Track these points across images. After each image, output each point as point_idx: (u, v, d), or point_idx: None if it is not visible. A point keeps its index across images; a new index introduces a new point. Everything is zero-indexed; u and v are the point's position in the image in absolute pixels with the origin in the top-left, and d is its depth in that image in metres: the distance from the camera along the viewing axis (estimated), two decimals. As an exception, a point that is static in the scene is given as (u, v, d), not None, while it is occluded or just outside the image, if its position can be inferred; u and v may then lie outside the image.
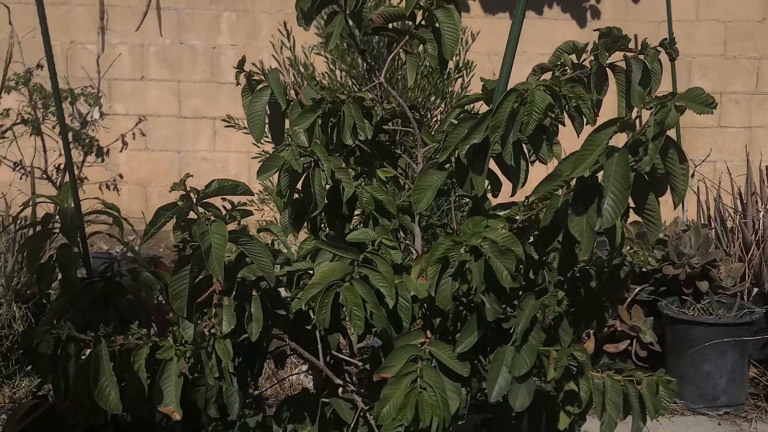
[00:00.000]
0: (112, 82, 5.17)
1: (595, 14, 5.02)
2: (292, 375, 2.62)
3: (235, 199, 1.35)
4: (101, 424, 1.15)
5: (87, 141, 3.13)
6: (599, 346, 2.89)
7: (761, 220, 3.07)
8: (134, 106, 5.18)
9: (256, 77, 1.55)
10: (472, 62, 3.65)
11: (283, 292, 1.57)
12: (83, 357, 1.16)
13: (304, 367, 2.79)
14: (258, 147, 3.40)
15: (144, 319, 1.62)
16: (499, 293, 1.28)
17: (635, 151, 1.04)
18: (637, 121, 1.04)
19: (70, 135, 3.14)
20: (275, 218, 3.02)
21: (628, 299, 2.84)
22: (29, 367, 2.69)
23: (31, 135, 3.15)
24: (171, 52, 5.18)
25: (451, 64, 3.68)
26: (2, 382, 2.59)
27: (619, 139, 1.14)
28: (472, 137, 1.21)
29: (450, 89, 3.54)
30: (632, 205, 1.12)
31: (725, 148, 5.09)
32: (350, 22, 1.53)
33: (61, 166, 3.60)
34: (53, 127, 3.20)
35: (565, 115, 1.50)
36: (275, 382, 2.60)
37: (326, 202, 1.47)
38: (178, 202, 1.22)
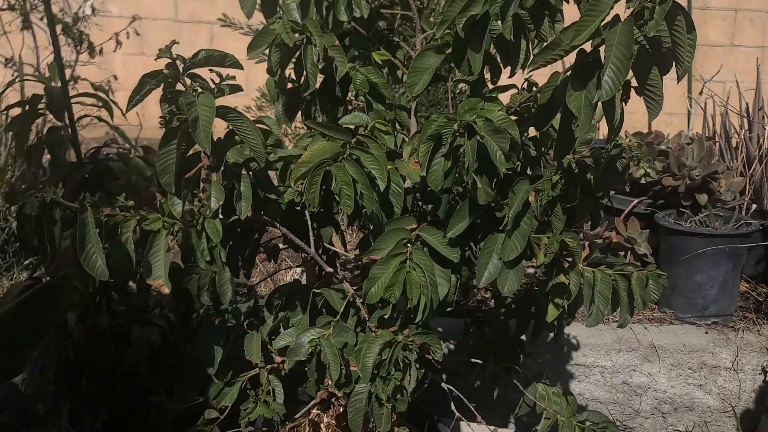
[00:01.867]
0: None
1: None
2: (281, 270, 2.65)
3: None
4: (91, 295, 1.15)
5: (77, 35, 3.02)
6: (593, 256, 2.90)
7: (766, 136, 3.01)
8: (129, 8, 5.00)
9: (247, -50, 1.46)
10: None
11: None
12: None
13: (299, 270, 2.82)
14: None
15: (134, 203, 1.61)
16: (493, 178, 1.25)
17: (641, 20, 0.98)
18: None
19: (59, 28, 3.03)
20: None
21: (626, 211, 2.82)
22: (27, 261, 2.71)
23: (21, 30, 3.04)
24: (167, -50, 4.97)
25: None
26: (0, 275, 2.62)
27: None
28: (470, 9, 1.15)
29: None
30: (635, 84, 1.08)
31: (736, 68, 4.94)
32: None
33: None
34: (41, 18, 3.08)
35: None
36: (269, 280, 2.62)
37: (318, 84, 1.42)
38: (164, 70, 1.17)
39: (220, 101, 1.27)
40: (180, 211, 1.27)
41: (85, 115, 1.76)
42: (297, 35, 1.35)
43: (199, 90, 1.20)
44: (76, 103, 1.66)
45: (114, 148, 1.87)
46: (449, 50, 1.38)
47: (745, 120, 3.17)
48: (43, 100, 1.63)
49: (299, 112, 1.59)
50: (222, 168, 1.25)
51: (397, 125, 1.70)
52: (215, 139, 1.27)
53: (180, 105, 1.18)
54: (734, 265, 2.55)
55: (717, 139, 3.10)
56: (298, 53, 1.38)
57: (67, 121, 1.61)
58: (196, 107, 1.17)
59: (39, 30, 3.36)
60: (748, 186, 2.91)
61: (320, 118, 1.62)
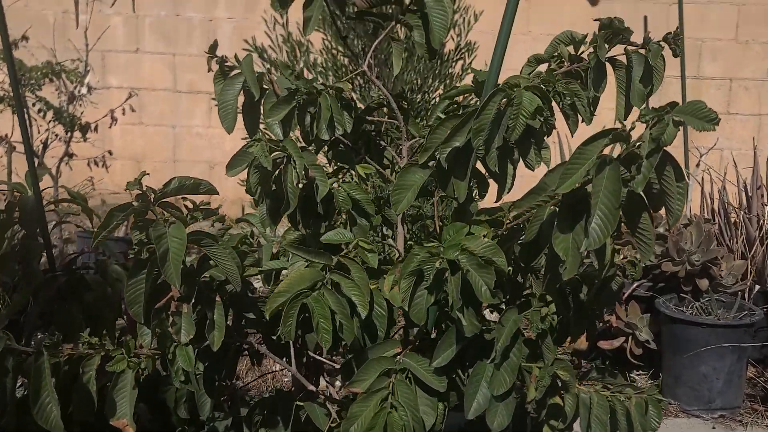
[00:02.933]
0: (106, 54, 5.05)
1: (607, -8, 4.85)
2: (270, 372, 2.55)
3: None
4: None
5: (69, 120, 3.01)
6: (593, 342, 2.82)
7: (766, 215, 2.96)
8: (128, 79, 5.07)
9: (229, 63, 1.44)
10: (474, 42, 3.50)
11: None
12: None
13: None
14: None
15: (109, 317, 1.54)
16: (479, 305, 1.19)
17: (628, 164, 0.93)
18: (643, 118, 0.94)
19: (50, 114, 3.02)
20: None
21: (625, 295, 2.75)
22: None
23: (14, 113, 3.04)
24: (167, 23, 5.05)
25: (451, 45, 3.55)
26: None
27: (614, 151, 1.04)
28: (453, 140, 1.11)
29: (450, 71, 3.41)
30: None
31: (733, 136, 4.96)
32: (331, 6, 1.42)
33: (48, 142, 3.49)
34: (34, 104, 3.08)
35: (560, 111, 1.41)
36: (258, 374, 2.53)
37: (299, 201, 1.37)
38: (134, 202, 1.13)
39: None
40: (149, 342, 1.21)
41: (64, 221, 1.71)
42: (277, 153, 1.31)
43: (171, 219, 1.14)
44: (51, 211, 1.61)
45: (93, 251, 1.81)
46: (433, 163, 1.34)
47: (744, 195, 3.13)
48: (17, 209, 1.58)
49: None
50: (193, 299, 1.18)
51: (384, 228, 1.65)
52: (188, 265, 1.21)
53: (150, 236, 1.12)
54: (739, 356, 2.46)
55: (716, 218, 3.05)
56: (278, 171, 1.33)
57: (40, 230, 1.55)
58: (167, 239, 1.11)
59: (33, 109, 3.37)
60: (749, 268, 2.84)
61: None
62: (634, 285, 2.75)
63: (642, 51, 1.42)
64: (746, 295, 2.76)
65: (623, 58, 1.45)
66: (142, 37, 5.07)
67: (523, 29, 4.79)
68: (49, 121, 3.07)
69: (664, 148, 0.87)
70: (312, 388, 1.51)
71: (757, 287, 2.82)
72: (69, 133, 3.37)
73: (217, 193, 1.23)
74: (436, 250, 1.11)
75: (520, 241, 1.25)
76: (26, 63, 3.01)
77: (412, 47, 1.87)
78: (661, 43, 1.40)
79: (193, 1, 5.01)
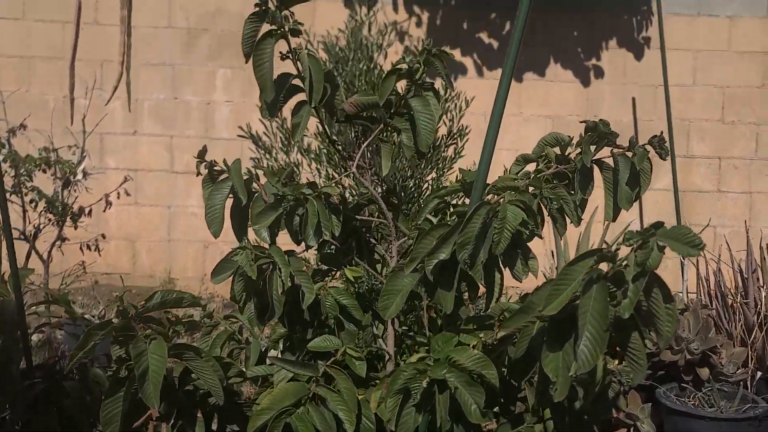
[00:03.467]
0: (105, 136, 5.12)
1: (589, 78, 4.99)
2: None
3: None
4: None
5: (60, 209, 3.02)
6: (594, 433, 2.72)
7: (763, 300, 2.93)
8: (126, 160, 5.12)
9: (218, 167, 1.45)
10: (466, 127, 3.57)
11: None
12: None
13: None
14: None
15: (86, 426, 1.49)
16: (470, 425, 1.15)
17: (616, 283, 0.92)
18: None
19: (42, 203, 3.03)
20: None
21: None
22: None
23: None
24: (165, 107, 5.14)
25: (443, 130, 3.62)
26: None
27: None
28: (439, 252, 1.10)
29: (443, 155, 3.45)
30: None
31: (725, 213, 4.98)
32: (321, 111, 1.44)
33: (41, 227, 3.49)
34: (26, 194, 3.09)
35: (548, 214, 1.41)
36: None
37: (286, 305, 1.35)
38: (113, 320, 1.10)
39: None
40: (125, 462, 1.15)
41: (45, 324, 1.68)
42: (263, 260, 1.29)
43: (152, 335, 1.11)
44: (32, 314, 1.58)
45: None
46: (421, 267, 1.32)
47: (739, 277, 3.11)
48: None
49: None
50: (172, 419, 1.14)
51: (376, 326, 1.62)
52: (170, 379, 1.17)
53: (129, 353, 1.09)
54: (745, 450, 2.38)
55: (713, 303, 3.02)
56: (264, 275, 1.32)
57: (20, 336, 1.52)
58: (146, 357, 1.08)
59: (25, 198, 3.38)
60: (750, 354, 2.78)
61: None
62: (634, 373, 2.69)
63: (629, 153, 1.44)
64: (748, 383, 2.69)
65: (610, 160, 1.46)
66: (140, 120, 5.15)
67: (515, 110, 4.89)
68: (41, 212, 3.07)
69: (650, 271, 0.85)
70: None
71: (759, 374, 2.75)
72: (60, 223, 3.37)
73: (201, 306, 1.20)
74: (423, 367, 1.08)
75: (510, 355, 1.21)
76: (25, 148, 3.04)
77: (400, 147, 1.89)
78: (647, 146, 1.42)
79: (191, 85, 5.12)
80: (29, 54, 4.95)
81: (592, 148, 1.44)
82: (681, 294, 3.33)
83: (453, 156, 3.48)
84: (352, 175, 1.71)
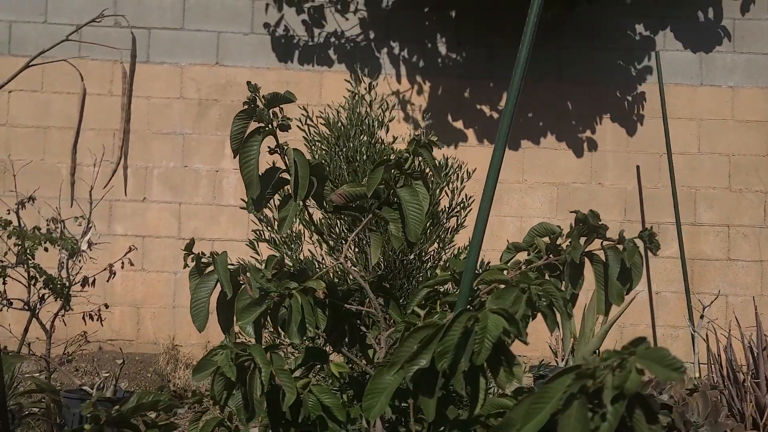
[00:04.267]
0: (114, 203, 5.20)
1: (592, 146, 5.02)
2: None
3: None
4: None
5: (59, 288, 3.03)
6: None
7: (776, 380, 2.84)
8: (134, 227, 5.18)
9: (205, 260, 1.45)
10: (469, 197, 3.58)
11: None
12: None
13: None
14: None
15: None
16: None
17: (597, 399, 0.89)
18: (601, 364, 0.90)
19: (41, 282, 3.04)
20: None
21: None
22: None
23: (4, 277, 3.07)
24: (174, 174, 5.23)
25: (445, 201, 3.63)
26: None
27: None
28: (419, 359, 1.07)
29: (445, 225, 3.45)
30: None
31: (736, 281, 4.90)
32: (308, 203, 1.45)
33: (45, 296, 3.49)
34: (26, 269, 3.11)
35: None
36: None
37: (269, 404, 1.32)
38: (85, 426, 1.08)
39: None
40: None
41: (29, 413, 1.65)
42: (244, 357, 1.27)
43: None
44: (17, 404, 1.55)
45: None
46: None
47: (750, 355, 3.02)
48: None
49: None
50: None
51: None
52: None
53: (101, 461, 1.06)
54: None
55: (724, 382, 2.93)
56: (246, 374, 1.29)
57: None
58: (118, 466, 1.05)
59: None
60: (764, 437, 2.68)
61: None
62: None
63: (619, 246, 1.42)
64: (764, 469, 2.58)
65: (601, 253, 1.45)
66: (150, 187, 5.23)
67: (518, 177, 4.92)
68: (40, 289, 3.08)
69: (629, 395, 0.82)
70: None
71: (775, 458, 2.64)
72: (59, 299, 3.37)
73: (178, 406, 1.18)
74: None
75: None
76: (35, 218, 3.08)
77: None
78: (636, 241, 1.40)
79: (200, 154, 5.22)
80: (45, 124, 5.09)
81: (582, 240, 1.42)
82: (693, 364, 3.24)
83: (455, 226, 3.48)
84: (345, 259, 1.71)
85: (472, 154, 4.61)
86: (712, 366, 3.18)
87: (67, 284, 2.97)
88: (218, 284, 1.40)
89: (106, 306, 3.90)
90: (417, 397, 1.16)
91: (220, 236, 5.18)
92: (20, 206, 3.38)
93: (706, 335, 3.31)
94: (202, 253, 1.46)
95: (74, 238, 3.10)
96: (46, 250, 2.95)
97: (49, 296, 3.58)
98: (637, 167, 4.91)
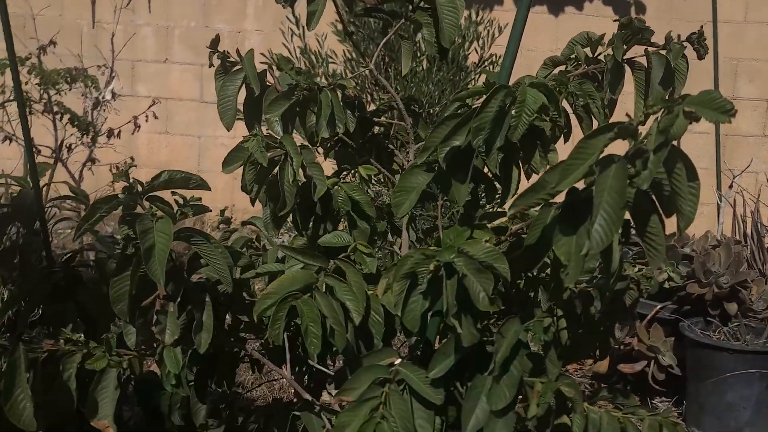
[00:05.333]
0: (136, 63, 5.12)
1: (639, 9, 4.74)
2: (276, 380, 2.49)
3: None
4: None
5: (84, 125, 3.02)
6: (614, 365, 2.70)
7: (801, 239, 2.82)
8: (156, 89, 5.12)
9: (231, 59, 1.41)
10: (498, 56, 3.45)
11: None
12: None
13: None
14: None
15: (104, 316, 1.51)
16: (480, 314, 1.12)
17: (636, 161, 0.86)
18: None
19: (65, 118, 3.04)
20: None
21: (648, 317, 2.63)
22: None
23: (31, 113, 3.07)
24: (196, 34, 5.10)
25: (474, 58, 3.50)
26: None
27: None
28: (453, 139, 1.05)
29: (470, 82, 3.35)
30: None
31: (770, 158, 4.78)
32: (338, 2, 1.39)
33: (72, 146, 3.53)
34: (53, 110, 3.11)
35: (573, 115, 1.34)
36: (263, 381, 2.47)
37: (299, 201, 1.33)
38: (119, 195, 1.09)
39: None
40: (134, 342, 1.16)
41: (63, 219, 1.69)
42: (275, 151, 1.26)
43: (159, 214, 1.10)
44: (52, 207, 1.59)
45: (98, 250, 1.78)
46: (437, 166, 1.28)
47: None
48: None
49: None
50: (179, 298, 1.14)
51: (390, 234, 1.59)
52: (177, 263, 1.17)
53: (135, 231, 1.08)
54: (769, 384, 2.33)
55: (748, 241, 2.92)
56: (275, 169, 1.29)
57: (40, 227, 1.53)
58: (152, 235, 1.07)
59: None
60: (783, 293, 2.69)
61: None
62: (658, 307, 2.63)
63: (663, 52, 1.35)
64: (778, 322, 2.62)
65: (643, 60, 1.38)
66: (171, 48, 5.13)
67: (552, 46, 4.71)
68: (66, 124, 3.09)
69: (673, 142, 0.79)
70: (308, 396, 1.45)
71: (791, 313, 2.67)
72: (86, 137, 3.39)
73: (209, 189, 1.18)
74: (431, 253, 1.05)
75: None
76: (54, 69, 3.04)
77: (427, 56, 1.80)
78: (684, 42, 1.33)
79: (222, 13, 5.05)
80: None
81: (623, 46, 1.36)
82: (715, 233, 3.22)
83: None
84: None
85: (504, 19, 4.41)
86: (737, 230, 3.17)
87: (92, 126, 2.97)
88: (244, 83, 1.37)
89: (132, 159, 3.94)
90: (448, 188, 1.15)
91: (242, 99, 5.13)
92: (41, 51, 3.33)
93: (734, 201, 3.27)
94: (227, 51, 1.42)
95: (95, 77, 3.06)
96: (68, 84, 2.92)
97: (76, 145, 3.62)
98: (678, 37, 4.67)
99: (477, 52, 3.44)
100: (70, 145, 3.56)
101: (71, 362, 1.12)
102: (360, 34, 3.00)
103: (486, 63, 3.37)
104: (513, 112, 1.01)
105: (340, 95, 1.33)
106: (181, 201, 1.17)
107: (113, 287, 1.12)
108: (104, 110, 3.53)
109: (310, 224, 1.37)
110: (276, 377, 2.53)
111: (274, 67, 1.34)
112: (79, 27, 5.02)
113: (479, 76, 3.34)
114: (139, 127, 3.76)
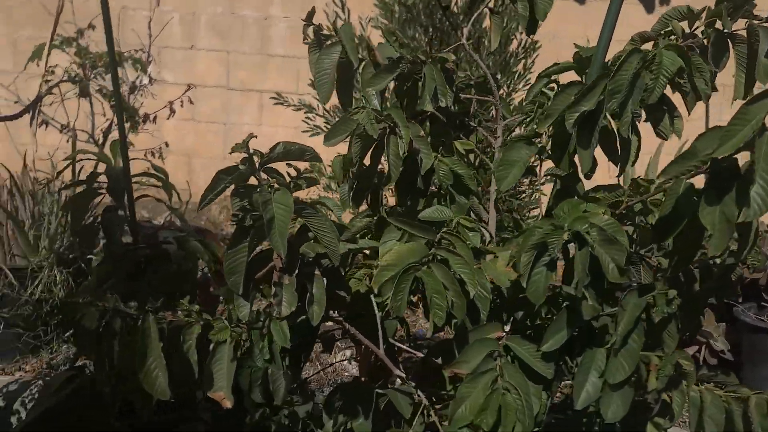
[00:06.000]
0: (162, 50, 5.09)
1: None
2: (336, 361, 2.49)
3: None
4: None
5: (132, 110, 3.01)
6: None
7: None
8: (183, 75, 5.10)
9: (325, 32, 1.39)
10: (537, 42, 3.43)
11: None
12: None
13: (348, 352, 2.66)
14: (308, 123, 3.27)
15: (189, 292, 1.50)
16: (598, 289, 1.11)
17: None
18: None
19: (105, 103, 3.03)
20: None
21: (700, 302, 2.62)
22: (67, 334, 2.62)
23: (78, 97, 3.06)
24: (222, 21, 5.08)
25: (514, 44, 3.48)
26: (40, 347, 2.53)
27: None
28: (581, 104, 1.03)
29: (513, 69, 3.34)
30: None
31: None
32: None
33: (111, 130, 3.51)
34: (98, 90, 3.10)
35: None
36: (318, 366, 2.47)
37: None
38: (240, 166, 1.08)
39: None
40: (246, 314, 1.15)
41: (143, 195, 1.68)
42: (380, 125, 1.25)
43: (275, 186, 1.09)
44: (135, 183, 1.58)
45: (170, 228, 1.78)
46: (538, 141, 1.27)
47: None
48: (99, 179, 1.56)
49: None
50: (296, 271, 1.13)
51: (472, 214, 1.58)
52: (288, 237, 1.16)
53: (255, 202, 1.07)
54: (828, 369, 2.32)
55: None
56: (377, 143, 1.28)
57: (127, 203, 1.52)
58: (272, 206, 1.06)
59: (94, 98, 3.39)
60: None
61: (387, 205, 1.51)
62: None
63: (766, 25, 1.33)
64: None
65: (743, 33, 1.36)
66: (197, 35, 5.10)
67: (580, 32, 4.69)
68: (113, 105, 3.08)
69: None
70: (400, 373, 1.44)
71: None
72: (128, 123, 3.37)
73: (321, 161, 1.17)
74: (560, 224, 1.04)
75: (639, 222, 1.17)
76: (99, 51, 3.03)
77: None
78: (789, 16, 1.31)
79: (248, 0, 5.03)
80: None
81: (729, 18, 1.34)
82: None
83: (523, 72, 3.36)
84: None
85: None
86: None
87: (137, 115, 2.95)
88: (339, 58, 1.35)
89: (167, 144, 3.93)
90: (561, 157, 1.14)
91: (269, 87, 5.11)
92: (79, 34, 3.31)
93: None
94: (321, 24, 1.40)
95: (146, 59, 3.05)
96: (119, 67, 2.90)
97: (113, 130, 3.60)
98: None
99: (517, 39, 3.42)
100: (107, 129, 3.55)
101: (190, 333, 1.11)
102: (406, 16, 2.98)
103: (529, 48, 3.35)
104: (647, 75, 0.99)
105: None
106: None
107: (228, 259, 1.11)
108: (141, 95, 3.52)
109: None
110: (331, 360, 2.53)
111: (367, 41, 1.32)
112: (112, 9, 5.00)
113: (519, 63, 3.32)
114: (174, 112, 3.75)
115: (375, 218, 1.43)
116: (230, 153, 1.08)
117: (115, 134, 3.59)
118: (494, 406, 1.07)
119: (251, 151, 1.09)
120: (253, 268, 1.14)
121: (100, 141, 3.54)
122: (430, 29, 2.73)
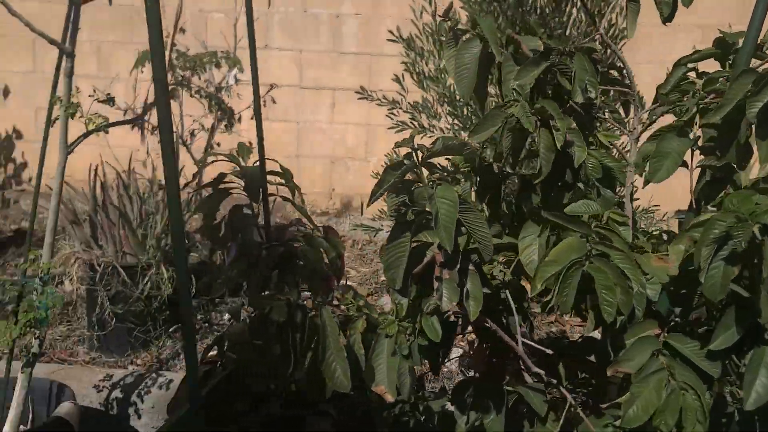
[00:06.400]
0: (237, 51, 5.19)
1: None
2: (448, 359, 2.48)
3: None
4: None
5: (220, 106, 3.08)
6: None
7: None
8: (260, 76, 5.19)
9: (461, 26, 1.38)
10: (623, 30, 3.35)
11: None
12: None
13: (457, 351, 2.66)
14: (392, 118, 3.27)
15: (319, 287, 1.52)
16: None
17: None
18: None
19: (206, 102, 3.10)
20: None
21: None
22: (172, 329, 2.70)
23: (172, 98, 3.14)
24: (294, 20, 5.13)
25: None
26: (150, 342, 2.61)
27: None
28: (763, 94, 0.99)
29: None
30: None
31: None
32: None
33: (195, 132, 3.60)
34: (197, 92, 3.17)
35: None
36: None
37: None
38: (405, 161, 1.07)
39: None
40: (405, 308, 1.15)
41: (270, 194, 1.71)
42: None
43: (437, 181, 1.09)
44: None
45: (295, 225, 1.80)
46: (692, 133, 1.23)
47: None
48: (226, 179, 1.59)
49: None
50: (458, 266, 1.12)
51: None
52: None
53: (417, 197, 1.07)
54: None
55: None
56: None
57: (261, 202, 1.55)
58: (436, 201, 1.06)
59: (185, 99, 3.48)
60: None
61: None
62: None
63: None
64: None
65: None
66: (271, 34, 5.18)
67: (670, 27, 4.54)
68: (211, 103, 3.15)
69: None
70: (538, 370, 1.42)
71: None
72: (216, 122, 3.45)
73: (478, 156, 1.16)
74: (744, 216, 1.00)
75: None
76: (198, 53, 3.11)
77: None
78: None
79: (320, -4, 5.07)
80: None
81: None
82: None
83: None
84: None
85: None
86: None
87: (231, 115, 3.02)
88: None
89: (250, 144, 4.00)
90: (729, 146, 1.09)
91: (340, 85, 5.14)
92: (168, 36, 3.40)
93: None
94: (457, 18, 1.39)
95: (239, 60, 3.11)
96: (217, 66, 2.97)
97: (199, 131, 3.69)
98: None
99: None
100: (193, 130, 3.64)
101: (355, 328, 1.12)
102: (492, 7, 2.94)
103: (617, 37, 3.27)
104: None
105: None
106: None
107: (387, 253, 1.11)
108: (227, 95, 3.59)
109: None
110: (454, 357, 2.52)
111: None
112: (185, 15, 5.11)
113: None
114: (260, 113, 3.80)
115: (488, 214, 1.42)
116: (394, 148, 1.08)
117: (200, 137, 3.69)
118: (674, 406, 1.04)
119: (416, 145, 1.08)
120: (412, 263, 1.14)
121: (189, 142, 3.64)
122: (517, 21, 2.69)
